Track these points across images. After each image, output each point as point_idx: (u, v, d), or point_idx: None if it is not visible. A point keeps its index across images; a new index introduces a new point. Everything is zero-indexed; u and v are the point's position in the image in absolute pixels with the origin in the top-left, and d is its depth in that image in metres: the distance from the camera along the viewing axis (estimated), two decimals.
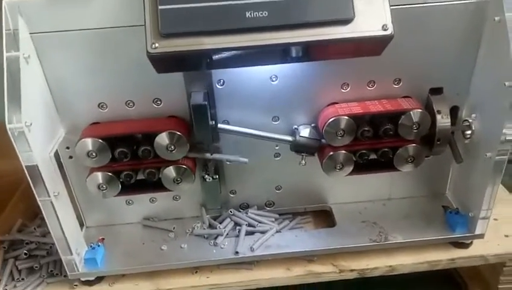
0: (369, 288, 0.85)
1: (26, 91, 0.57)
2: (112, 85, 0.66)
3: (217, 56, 0.55)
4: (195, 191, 0.78)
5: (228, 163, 0.75)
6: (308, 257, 0.76)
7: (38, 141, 0.60)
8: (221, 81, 0.67)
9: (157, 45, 0.52)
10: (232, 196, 0.80)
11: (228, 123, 0.71)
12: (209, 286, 0.73)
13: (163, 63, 0.55)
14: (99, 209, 0.79)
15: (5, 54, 0.56)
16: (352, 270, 0.74)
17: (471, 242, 0.76)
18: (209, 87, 0.67)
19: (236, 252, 0.72)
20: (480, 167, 0.69)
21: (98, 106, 0.67)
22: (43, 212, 0.63)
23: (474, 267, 0.80)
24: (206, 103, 0.63)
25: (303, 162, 0.71)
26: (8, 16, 0.57)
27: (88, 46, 0.62)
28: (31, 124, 0.57)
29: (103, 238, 0.77)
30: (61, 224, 0.65)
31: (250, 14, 0.52)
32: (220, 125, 0.68)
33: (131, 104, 0.68)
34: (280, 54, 0.57)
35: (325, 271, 0.74)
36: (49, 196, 0.62)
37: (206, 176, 0.72)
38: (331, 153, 0.69)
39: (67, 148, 0.71)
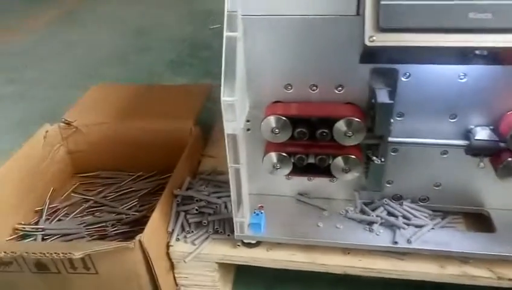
0: None
1: (237, 69, 0.63)
2: (300, 68, 0.70)
3: (428, 53, 0.56)
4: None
5: (393, 154, 0.77)
6: (462, 258, 0.75)
7: (238, 113, 0.66)
8: (407, 74, 0.68)
9: (375, 37, 0.54)
10: (387, 185, 0.81)
11: (403, 115, 0.72)
12: (361, 268, 0.76)
13: (375, 54, 0.57)
14: (260, 180, 0.85)
15: (225, 34, 0.62)
16: (510, 280, 0.73)
17: None
18: (393, 83, 0.68)
19: (395, 242, 0.74)
20: None
21: (284, 86, 0.72)
22: (230, 177, 0.70)
23: None
24: (392, 102, 0.65)
25: (482, 164, 0.70)
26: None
27: (289, 31, 0.66)
28: (237, 99, 0.63)
29: (262, 206, 0.84)
30: (241, 189, 0.72)
31: (474, 15, 0.52)
32: (391, 139, 0.70)
33: (314, 87, 0.71)
34: (492, 56, 0.56)
35: (481, 275, 0.73)
36: (238, 164, 0.69)
37: (375, 158, 0.74)
38: (510, 159, 0.67)
39: (248, 121, 0.77)
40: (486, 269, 0.74)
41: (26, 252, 0.69)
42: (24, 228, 1.00)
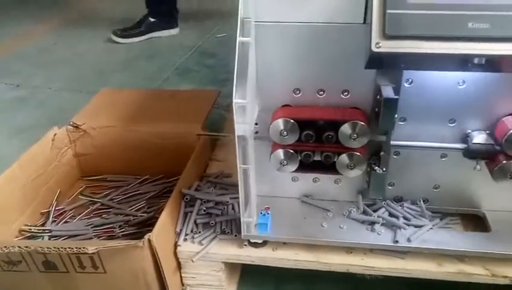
0: None
1: (249, 72, 0.66)
2: (309, 74, 0.73)
3: (430, 60, 0.60)
4: (355, 178, 0.84)
5: (395, 157, 0.80)
6: (459, 257, 0.79)
7: (248, 115, 0.69)
8: (410, 80, 0.72)
9: (381, 44, 0.58)
10: (389, 188, 0.85)
11: (405, 120, 0.76)
12: (364, 267, 0.79)
13: (380, 60, 0.61)
14: (266, 182, 0.88)
15: (238, 39, 0.66)
16: (505, 277, 0.76)
17: None
18: (397, 84, 0.71)
19: (396, 241, 0.78)
20: None
21: (293, 90, 0.76)
22: (239, 177, 0.73)
23: None
24: (397, 97, 0.68)
25: (478, 167, 0.74)
26: (242, 6, 0.66)
27: (299, 38, 0.70)
28: (248, 102, 0.66)
29: (268, 207, 0.86)
30: (249, 190, 0.75)
31: (472, 24, 0.56)
32: (393, 142, 0.74)
33: (322, 92, 0.75)
34: (490, 63, 0.60)
35: (476, 273, 0.77)
36: (247, 164, 0.72)
37: (377, 167, 0.78)
38: (505, 161, 0.71)
39: (256, 124, 0.80)
40: (481, 267, 0.77)
41: (40, 247, 0.71)
42: (30, 229, 1.01)
